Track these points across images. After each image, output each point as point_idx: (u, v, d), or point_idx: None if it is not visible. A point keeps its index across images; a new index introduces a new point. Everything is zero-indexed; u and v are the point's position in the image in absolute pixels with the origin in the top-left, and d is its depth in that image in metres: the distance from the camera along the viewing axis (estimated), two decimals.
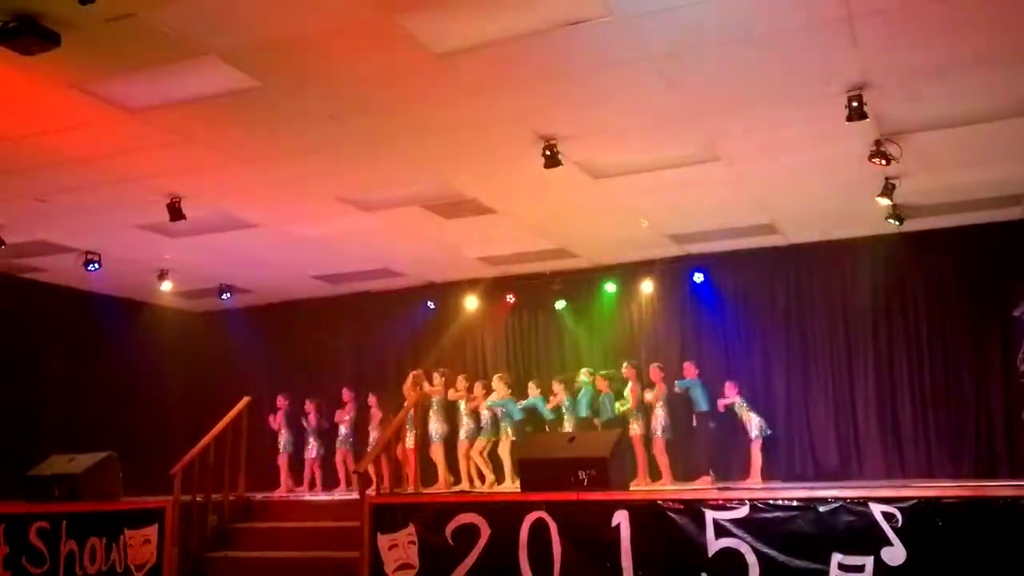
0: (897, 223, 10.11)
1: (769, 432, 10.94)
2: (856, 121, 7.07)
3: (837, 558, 5.47)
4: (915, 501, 5.39)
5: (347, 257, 12.00)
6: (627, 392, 11.20)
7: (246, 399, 10.36)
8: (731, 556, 5.72)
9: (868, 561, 5.38)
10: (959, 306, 11.07)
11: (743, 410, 11.04)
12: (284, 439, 12.70)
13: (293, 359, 13.87)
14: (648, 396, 11.16)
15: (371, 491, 8.27)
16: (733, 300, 12.13)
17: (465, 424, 11.70)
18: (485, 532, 6.51)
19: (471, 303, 13.26)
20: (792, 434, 11.50)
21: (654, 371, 11.34)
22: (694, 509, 5.89)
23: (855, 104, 7.00)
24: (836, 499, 5.58)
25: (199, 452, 8.56)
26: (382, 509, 7.09)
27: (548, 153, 7.90)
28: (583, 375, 11.56)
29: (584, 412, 11.33)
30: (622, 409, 11.18)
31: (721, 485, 10.09)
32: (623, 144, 8.26)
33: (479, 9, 5.80)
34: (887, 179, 8.89)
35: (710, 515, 5.83)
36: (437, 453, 11.72)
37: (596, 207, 9.99)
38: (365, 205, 9.75)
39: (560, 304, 12.87)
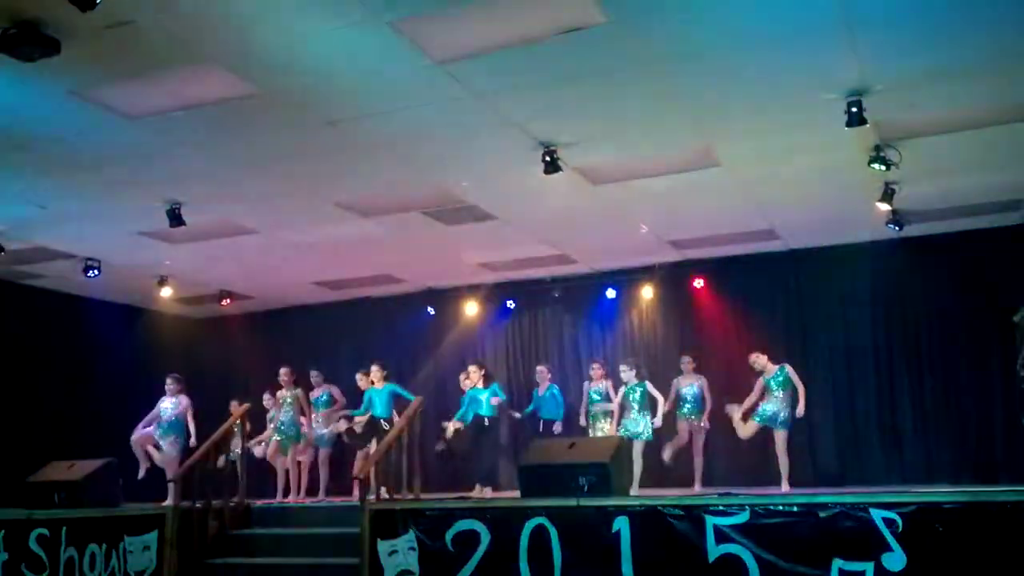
0: (897, 228, 10.12)
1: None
2: (855, 127, 7.08)
3: (838, 564, 5.47)
4: (915, 507, 5.39)
5: (347, 263, 12.00)
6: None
7: (246, 405, 10.38)
8: (732, 562, 5.72)
9: (868, 567, 5.38)
10: (959, 311, 11.05)
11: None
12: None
13: (294, 365, 13.81)
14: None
15: (371, 497, 8.26)
16: (733, 305, 12.12)
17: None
18: (486, 538, 6.51)
19: (471, 309, 13.27)
20: (792, 439, 11.46)
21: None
22: (694, 515, 5.88)
23: (854, 110, 6.99)
24: (836, 505, 5.58)
25: (199, 458, 8.56)
26: (382, 515, 7.08)
27: (548, 159, 7.91)
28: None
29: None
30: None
31: (722, 491, 10.04)
32: (623, 150, 8.27)
33: (478, 17, 5.81)
34: (887, 184, 8.88)
35: (710, 521, 5.83)
36: None
37: (596, 213, 9.99)
38: (365, 211, 9.75)
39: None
